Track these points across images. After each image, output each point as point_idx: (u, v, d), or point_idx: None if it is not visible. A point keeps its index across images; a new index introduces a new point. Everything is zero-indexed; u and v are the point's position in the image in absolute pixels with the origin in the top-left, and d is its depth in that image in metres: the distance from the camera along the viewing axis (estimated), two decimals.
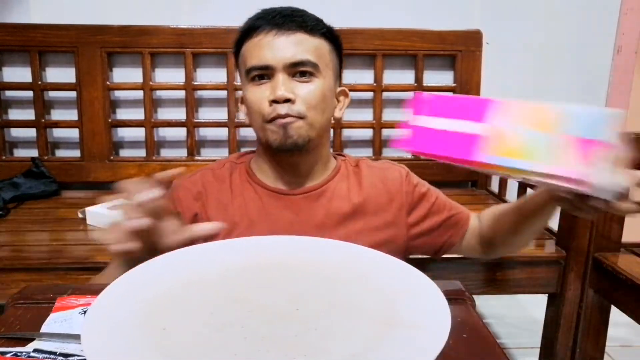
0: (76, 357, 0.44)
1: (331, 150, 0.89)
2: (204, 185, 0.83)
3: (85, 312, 0.51)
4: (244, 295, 0.46)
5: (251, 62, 0.77)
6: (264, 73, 0.77)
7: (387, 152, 1.77)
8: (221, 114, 1.74)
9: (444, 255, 0.90)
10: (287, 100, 0.74)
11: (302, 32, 0.77)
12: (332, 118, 0.84)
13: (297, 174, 0.83)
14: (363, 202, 0.83)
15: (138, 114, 1.71)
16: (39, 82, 1.65)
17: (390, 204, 0.84)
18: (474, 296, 0.58)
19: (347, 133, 1.79)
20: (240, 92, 0.84)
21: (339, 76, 0.85)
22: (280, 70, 0.76)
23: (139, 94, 1.69)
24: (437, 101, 0.57)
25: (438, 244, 0.88)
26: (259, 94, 0.77)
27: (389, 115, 1.78)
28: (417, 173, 0.91)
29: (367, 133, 1.78)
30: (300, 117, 0.75)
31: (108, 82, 1.67)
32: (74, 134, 1.70)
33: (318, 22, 0.81)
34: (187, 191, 0.82)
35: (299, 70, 0.76)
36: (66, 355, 0.45)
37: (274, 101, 0.75)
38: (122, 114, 1.75)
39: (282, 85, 0.75)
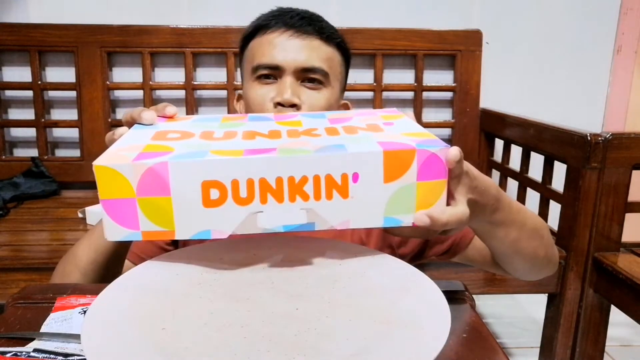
0: (76, 357, 0.44)
1: None
2: None
3: (85, 311, 0.51)
4: (244, 295, 0.46)
5: (260, 60, 0.74)
6: (272, 73, 0.74)
7: None
8: (221, 114, 1.73)
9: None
10: (293, 106, 0.71)
11: (318, 39, 0.74)
12: None
13: None
14: None
15: None
16: (39, 82, 1.65)
17: None
18: (474, 296, 0.58)
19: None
20: (240, 92, 0.83)
21: (344, 89, 0.83)
22: (290, 73, 0.72)
23: (139, 94, 1.69)
24: None
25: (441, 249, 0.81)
26: (263, 93, 0.73)
27: None
28: None
29: None
30: None
31: (108, 82, 1.67)
32: (73, 133, 1.70)
33: (334, 31, 0.78)
34: None
35: (309, 76, 0.73)
36: (66, 355, 0.45)
37: (279, 104, 0.71)
38: (122, 114, 1.74)
39: (290, 88, 0.71)
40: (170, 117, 0.56)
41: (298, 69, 0.73)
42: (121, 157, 0.43)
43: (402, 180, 0.44)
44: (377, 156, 0.43)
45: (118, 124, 1.70)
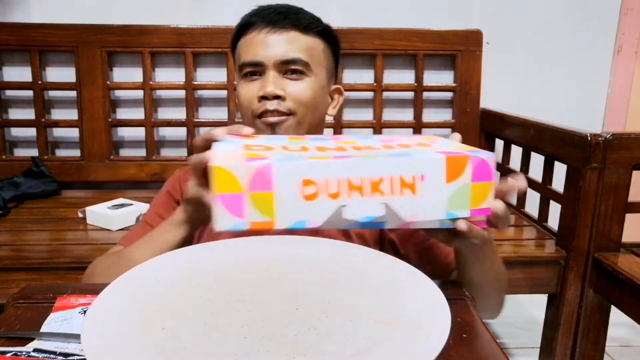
0: (76, 357, 0.44)
1: None
2: None
3: (85, 311, 0.51)
4: (244, 295, 0.46)
5: (244, 58, 0.79)
6: (256, 70, 0.78)
7: None
8: (221, 114, 1.74)
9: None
10: (277, 97, 0.75)
11: (295, 31, 0.78)
12: (326, 116, 0.84)
13: None
14: None
15: (138, 114, 1.71)
16: (39, 82, 1.65)
17: None
18: None
19: (347, 133, 1.79)
20: None
21: (333, 74, 0.85)
22: (271, 68, 0.76)
23: (139, 94, 1.69)
24: None
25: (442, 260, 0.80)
26: (249, 90, 0.78)
27: (389, 115, 1.78)
28: None
29: (368, 133, 1.78)
30: (290, 113, 0.76)
31: (108, 82, 1.67)
32: (74, 133, 1.70)
33: (313, 20, 0.81)
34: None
35: (290, 68, 0.77)
36: (66, 355, 0.45)
37: (263, 97, 0.76)
38: (122, 114, 1.75)
39: (272, 81, 0.76)
40: (247, 137, 0.61)
41: (278, 63, 0.77)
42: (232, 158, 0.49)
43: (459, 180, 0.51)
44: (440, 160, 0.50)
45: (118, 123, 1.71)
